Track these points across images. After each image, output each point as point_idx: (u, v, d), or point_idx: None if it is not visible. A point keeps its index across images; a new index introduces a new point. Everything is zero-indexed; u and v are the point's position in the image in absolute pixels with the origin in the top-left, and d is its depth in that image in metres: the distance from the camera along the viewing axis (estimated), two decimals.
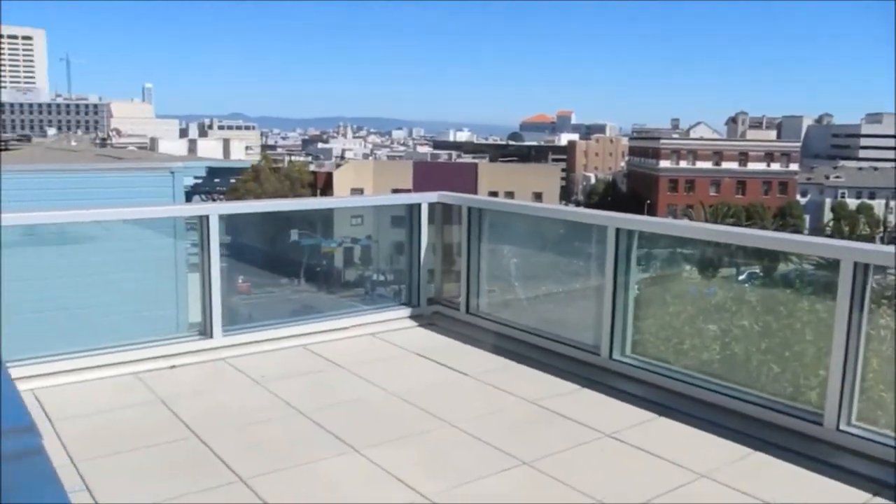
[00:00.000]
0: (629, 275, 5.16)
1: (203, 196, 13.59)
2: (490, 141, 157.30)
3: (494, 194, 67.28)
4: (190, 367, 5.18)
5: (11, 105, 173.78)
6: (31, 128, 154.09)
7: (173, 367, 5.14)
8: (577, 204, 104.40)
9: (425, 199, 6.51)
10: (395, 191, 60.51)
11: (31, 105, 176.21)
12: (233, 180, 14.80)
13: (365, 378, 4.99)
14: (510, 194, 68.87)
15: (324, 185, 70.30)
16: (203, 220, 5.39)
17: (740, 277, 5.23)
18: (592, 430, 4.22)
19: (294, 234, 7.04)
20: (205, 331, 5.49)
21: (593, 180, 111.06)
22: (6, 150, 22.70)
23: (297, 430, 4.21)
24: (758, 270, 5.31)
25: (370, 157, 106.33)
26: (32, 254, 5.63)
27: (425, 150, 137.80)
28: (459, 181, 60.60)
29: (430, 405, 4.53)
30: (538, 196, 70.71)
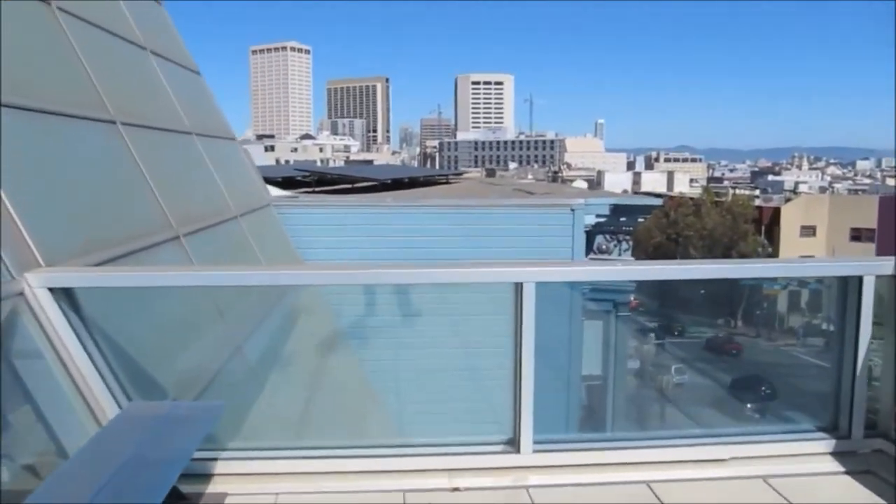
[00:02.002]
0: None
1: (607, 236, 12.20)
2: None
3: None
4: (477, 493, 3.71)
5: (483, 143, 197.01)
6: (497, 162, 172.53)
7: (456, 489, 3.73)
8: None
9: (870, 269, 4.10)
10: (854, 230, 52.53)
11: (498, 142, 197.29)
12: (640, 219, 13.22)
13: None
14: None
15: (769, 222, 64.47)
16: (517, 289, 3.90)
17: None
18: None
19: None
20: (513, 440, 3.98)
21: None
22: (447, 182, 24.39)
23: None
24: None
25: (827, 191, 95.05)
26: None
27: None
28: None
29: None
30: None
